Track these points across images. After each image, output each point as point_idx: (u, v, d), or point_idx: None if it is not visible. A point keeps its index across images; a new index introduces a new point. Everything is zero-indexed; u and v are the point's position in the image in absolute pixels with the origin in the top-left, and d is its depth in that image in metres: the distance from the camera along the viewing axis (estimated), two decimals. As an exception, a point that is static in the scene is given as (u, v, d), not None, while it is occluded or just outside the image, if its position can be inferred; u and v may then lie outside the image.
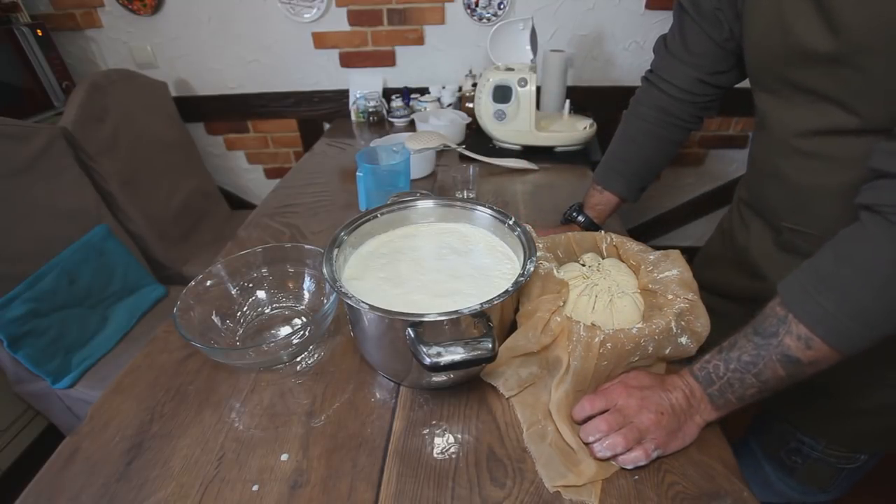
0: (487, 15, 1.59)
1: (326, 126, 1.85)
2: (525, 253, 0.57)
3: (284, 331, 0.68)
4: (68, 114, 1.25)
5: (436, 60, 1.70)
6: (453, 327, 0.49)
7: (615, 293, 0.60)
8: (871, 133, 0.48)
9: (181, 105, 1.72)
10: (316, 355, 0.64)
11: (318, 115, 1.83)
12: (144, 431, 0.54)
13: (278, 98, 1.80)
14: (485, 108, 1.26)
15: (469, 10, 1.59)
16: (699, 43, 0.67)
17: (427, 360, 0.44)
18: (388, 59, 1.71)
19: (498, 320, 0.54)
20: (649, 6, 1.55)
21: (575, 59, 1.66)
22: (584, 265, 0.66)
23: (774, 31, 0.53)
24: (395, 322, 0.49)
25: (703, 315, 0.56)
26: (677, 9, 0.68)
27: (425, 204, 0.69)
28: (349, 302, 0.50)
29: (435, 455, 0.51)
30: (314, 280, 0.72)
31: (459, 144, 1.22)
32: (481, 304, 0.48)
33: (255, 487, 0.48)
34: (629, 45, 1.64)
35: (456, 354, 0.44)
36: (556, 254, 0.69)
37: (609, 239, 0.69)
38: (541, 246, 0.65)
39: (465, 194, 1.05)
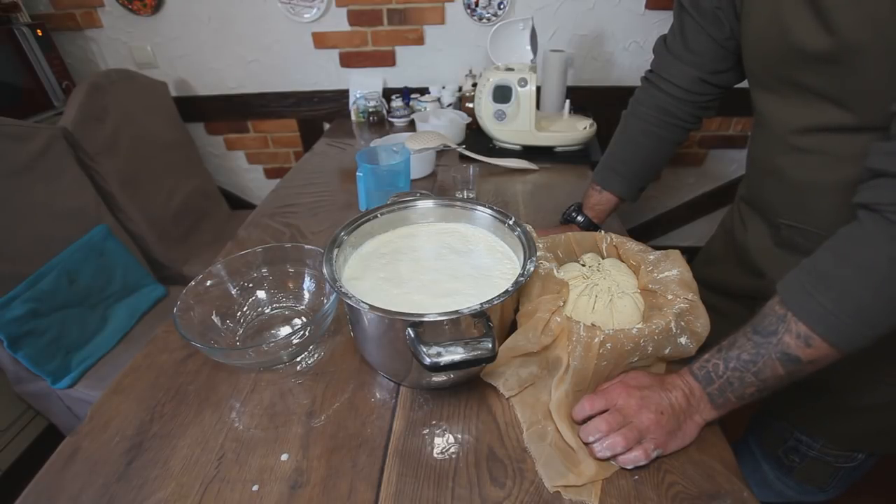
0: (487, 15, 1.59)
1: (326, 126, 1.85)
2: (525, 253, 0.57)
3: (284, 331, 0.68)
4: (68, 114, 1.25)
5: (436, 60, 1.70)
6: (453, 327, 0.49)
7: (615, 293, 0.61)
8: (867, 130, 0.49)
9: (181, 105, 1.72)
10: (316, 355, 0.64)
11: (318, 115, 1.83)
12: (144, 431, 0.54)
13: (278, 98, 1.80)
14: (485, 108, 1.26)
15: (469, 10, 1.59)
16: (700, 42, 0.67)
17: (427, 360, 0.44)
18: (388, 59, 1.71)
19: (498, 320, 0.54)
20: (649, 6, 1.56)
21: (575, 59, 1.66)
22: (584, 265, 0.66)
23: (772, 31, 0.53)
24: (395, 322, 0.49)
25: (703, 315, 0.56)
26: (678, 8, 0.69)
27: (425, 204, 0.69)
28: (349, 302, 0.50)
29: (435, 455, 0.51)
30: (314, 280, 0.72)
31: (459, 144, 1.22)
32: (481, 304, 0.48)
33: (255, 487, 0.48)
34: (629, 45, 1.64)
35: (456, 354, 0.44)
36: (556, 254, 0.69)
37: (609, 239, 0.69)
38: (541, 246, 0.65)
39: (465, 194, 1.05)
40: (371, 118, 1.62)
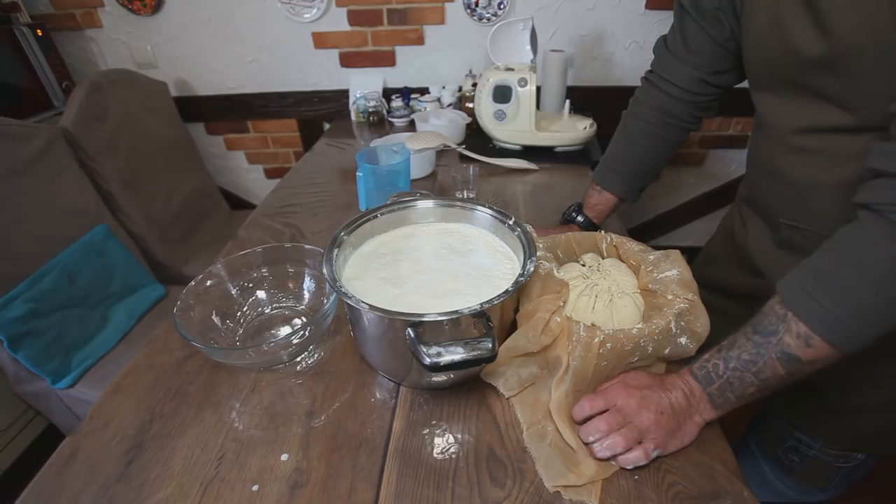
0: (487, 15, 1.59)
1: (326, 126, 1.85)
2: (525, 253, 0.57)
3: (284, 331, 0.68)
4: (68, 114, 1.25)
5: (436, 60, 1.70)
6: (453, 327, 0.49)
7: (615, 293, 0.60)
8: (867, 131, 0.49)
9: (181, 105, 1.72)
10: (316, 355, 0.64)
11: (318, 115, 1.83)
12: (144, 431, 0.54)
13: (278, 98, 1.80)
14: (485, 108, 1.26)
15: (469, 10, 1.59)
16: (700, 42, 0.67)
17: (427, 360, 0.44)
18: (388, 59, 1.71)
19: (498, 320, 0.54)
20: (649, 6, 1.56)
21: (575, 59, 1.66)
22: (584, 265, 0.66)
23: (772, 33, 0.53)
24: (395, 322, 0.49)
25: (703, 315, 0.56)
26: (678, 8, 0.69)
27: (425, 204, 0.69)
28: (349, 302, 0.50)
29: (435, 455, 0.51)
30: (314, 280, 0.72)
31: (459, 144, 1.22)
32: (481, 304, 0.48)
33: (255, 487, 0.48)
34: (629, 45, 1.64)
35: (456, 354, 0.44)
36: (556, 254, 0.69)
37: (609, 239, 0.69)
38: (541, 246, 0.65)
39: (465, 194, 1.05)
40: (371, 118, 1.62)
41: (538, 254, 0.60)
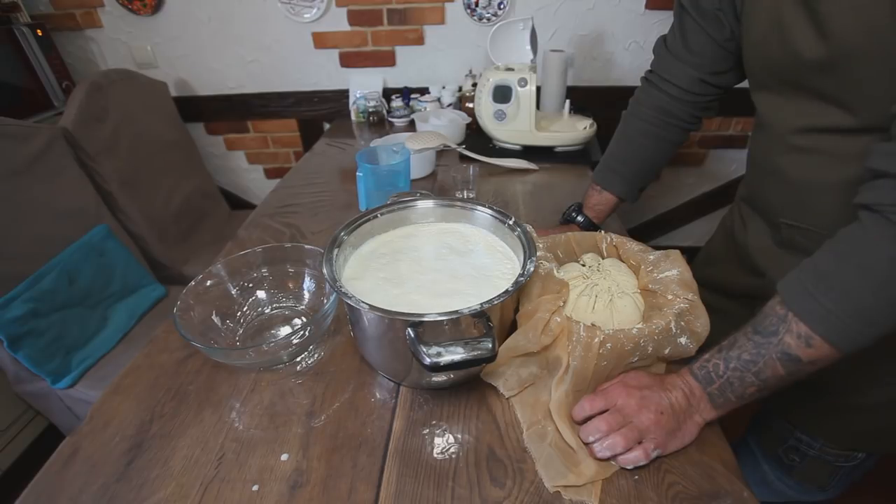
0: (487, 15, 1.59)
1: (326, 126, 1.85)
2: (525, 253, 0.57)
3: (284, 331, 0.68)
4: (68, 114, 1.25)
5: (436, 60, 1.70)
6: (453, 327, 0.49)
7: (615, 293, 0.60)
8: (868, 131, 0.49)
9: (181, 105, 1.72)
10: (316, 355, 0.64)
11: (318, 115, 1.83)
12: (144, 431, 0.54)
13: (278, 98, 1.80)
14: (485, 108, 1.26)
15: (469, 10, 1.59)
16: (700, 42, 0.67)
17: (427, 360, 0.44)
18: (388, 59, 1.71)
19: (498, 320, 0.54)
20: (649, 6, 1.56)
21: (575, 59, 1.66)
22: (584, 265, 0.66)
23: (772, 35, 0.53)
24: (395, 322, 0.49)
25: (703, 315, 0.56)
26: (678, 8, 0.69)
27: (425, 204, 0.69)
28: (349, 302, 0.50)
29: (435, 455, 0.51)
30: (314, 280, 0.72)
31: (459, 144, 1.22)
32: (481, 304, 0.48)
33: (255, 487, 0.48)
34: (629, 45, 1.64)
35: (456, 354, 0.44)
36: (556, 254, 0.69)
37: (609, 239, 0.69)
38: (541, 246, 0.65)
39: (465, 194, 1.05)
40: (371, 118, 1.62)
41: (538, 254, 0.60)
